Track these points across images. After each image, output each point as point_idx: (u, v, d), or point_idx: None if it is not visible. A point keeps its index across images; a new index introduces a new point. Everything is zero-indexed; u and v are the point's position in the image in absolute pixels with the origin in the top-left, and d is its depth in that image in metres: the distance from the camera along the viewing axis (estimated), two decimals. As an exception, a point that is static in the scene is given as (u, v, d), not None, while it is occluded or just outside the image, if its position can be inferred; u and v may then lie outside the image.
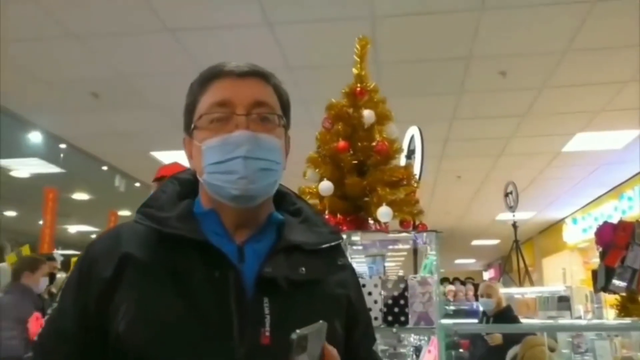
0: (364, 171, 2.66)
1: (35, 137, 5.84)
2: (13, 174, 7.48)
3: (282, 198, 1.04)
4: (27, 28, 3.83)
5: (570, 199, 9.41)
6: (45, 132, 5.78)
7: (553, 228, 11.98)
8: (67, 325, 0.89)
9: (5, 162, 6.93)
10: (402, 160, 3.16)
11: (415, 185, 2.74)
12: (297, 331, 0.72)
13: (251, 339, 0.83)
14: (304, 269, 0.91)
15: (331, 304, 0.94)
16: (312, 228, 1.00)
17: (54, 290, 5.04)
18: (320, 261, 0.95)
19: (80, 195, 9.02)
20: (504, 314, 4.70)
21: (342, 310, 0.96)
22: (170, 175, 1.04)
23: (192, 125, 0.95)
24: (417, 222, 2.64)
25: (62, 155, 6.40)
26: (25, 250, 5.66)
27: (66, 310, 0.90)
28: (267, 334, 0.83)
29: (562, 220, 11.19)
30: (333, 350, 0.80)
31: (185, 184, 1.01)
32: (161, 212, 0.92)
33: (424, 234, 2.50)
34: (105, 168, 7.12)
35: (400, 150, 2.76)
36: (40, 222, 10.77)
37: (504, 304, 4.81)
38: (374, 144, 2.64)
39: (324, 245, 0.97)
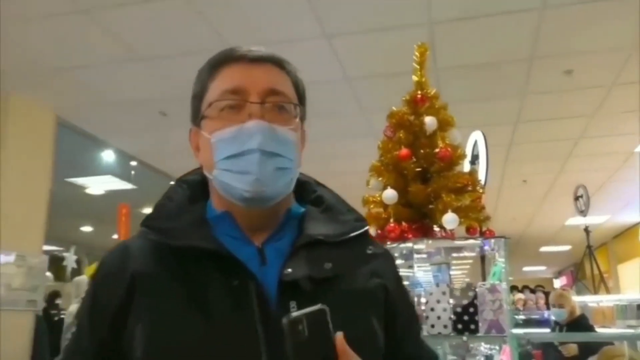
0: (427, 178, 2.65)
1: (107, 156, 6.15)
2: (88, 191, 7.89)
3: (302, 187, 0.94)
4: (97, 53, 4.05)
5: (646, 201, 8.92)
6: (117, 151, 6.08)
7: (628, 232, 11.38)
8: (85, 345, 0.83)
9: (82, 181, 7.32)
10: (466, 166, 3.12)
11: (481, 190, 2.70)
12: (289, 314, 0.67)
13: (278, 348, 0.72)
14: (330, 264, 0.82)
15: (366, 297, 0.84)
16: (336, 217, 0.90)
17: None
18: (348, 252, 0.85)
19: (150, 210, 9.38)
20: (579, 323, 4.51)
21: (378, 302, 0.86)
22: (177, 179, 0.96)
23: (200, 115, 0.87)
24: (483, 229, 2.60)
25: (132, 172, 6.70)
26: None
27: (83, 331, 0.84)
28: None
29: (638, 224, 10.61)
30: (345, 347, 0.68)
31: (195, 187, 0.94)
32: (168, 222, 0.85)
33: (492, 240, 2.45)
34: (172, 183, 7.36)
35: (463, 156, 2.72)
36: (114, 237, 11.31)
37: (577, 313, 4.62)
38: (436, 150, 2.62)
39: (349, 235, 0.87)
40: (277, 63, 0.89)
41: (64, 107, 4.95)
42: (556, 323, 4.77)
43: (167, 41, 3.89)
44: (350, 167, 5.48)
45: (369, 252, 0.90)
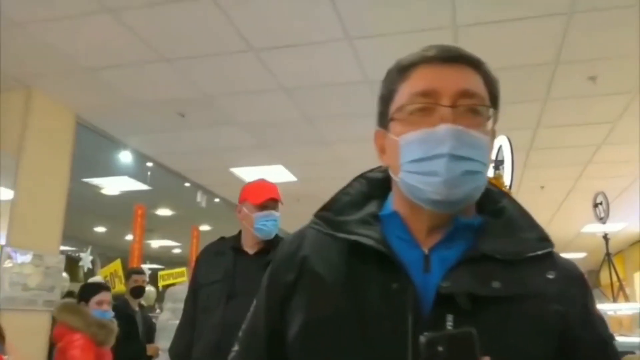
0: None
1: (124, 157, 6.16)
2: (103, 191, 7.92)
3: (484, 196, 0.86)
4: (120, 54, 4.05)
5: (665, 209, 8.80)
6: (134, 151, 6.09)
7: (646, 240, 11.24)
8: (258, 324, 0.89)
9: (97, 181, 7.35)
10: (490, 171, 3.07)
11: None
12: (427, 334, 0.63)
13: None
14: (498, 283, 0.75)
15: (535, 326, 0.76)
16: (516, 233, 0.83)
17: (143, 302, 5.27)
18: (523, 274, 0.78)
19: (164, 211, 9.41)
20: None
21: (551, 333, 0.77)
22: (358, 175, 0.95)
23: (389, 117, 0.85)
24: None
25: (149, 173, 6.71)
26: (117, 265, 5.97)
27: (258, 310, 0.91)
28: None
29: (656, 232, 10.48)
30: None
31: (373, 183, 0.93)
32: (339, 216, 0.86)
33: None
34: (187, 184, 7.39)
35: (491, 160, 2.68)
36: (127, 238, 11.36)
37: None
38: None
39: (527, 255, 0.80)
40: (471, 63, 0.84)
41: (84, 107, 4.97)
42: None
43: (190, 42, 3.88)
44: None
45: (550, 276, 0.80)
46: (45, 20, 3.60)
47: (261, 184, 2.52)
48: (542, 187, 7.55)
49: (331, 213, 0.87)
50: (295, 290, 0.83)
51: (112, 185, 7.62)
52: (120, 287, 5.44)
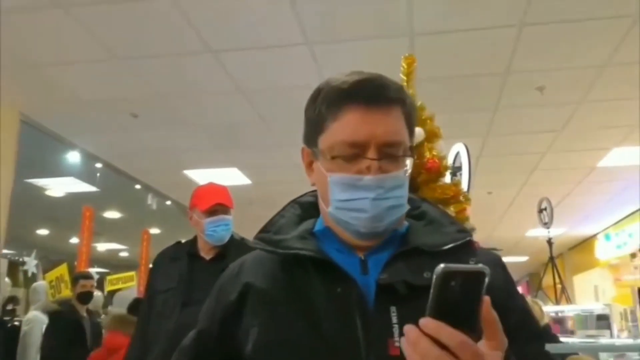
0: (414, 189, 2.65)
1: (72, 157, 5.96)
2: (48, 193, 7.62)
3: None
4: (71, 51, 3.92)
5: (603, 215, 9.26)
6: (82, 152, 5.89)
7: (584, 244, 11.78)
8: (212, 328, 0.96)
9: (42, 182, 7.07)
10: (447, 178, 3.14)
11: (466, 201, 2.72)
12: (443, 265, 0.63)
13: (379, 352, 0.79)
14: (429, 272, 0.79)
15: None
16: (439, 229, 0.95)
17: (91, 308, 5.09)
18: (448, 263, 0.87)
19: (112, 214, 9.15)
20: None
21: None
22: (291, 200, 1.06)
23: (318, 147, 0.93)
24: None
25: (98, 174, 6.51)
26: (63, 269, 5.74)
27: (211, 316, 0.98)
28: (397, 344, 0.78)
29: (594, 237, 10.99)
30: (492, 313, 0.65)
31: (305, 207, 1.03)
32: (278, 235, 0.94)
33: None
34: (138, 187, 7.21)
35: (449, 167, 2.75)
36: (71, 241, 10.96)
37: (542, 322, 4.71)
38: (424, 161, 2.63)
39: (448, 245, 0.90)
40: (396, 101, 0.91)
41: (30, 104, 4.77)
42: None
43: (147, 42, 3.79)
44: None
45: (472, 262, 0.88)
46: (-9, 13, 3.44)
47: (209, 188, 2.48)
48: (490, 193, 7.79)
49: (270, 233, 0.95)
50: (241, 308, 0.90)
51: (57, 187, 7.34)
52: (66, 292, 5.23)
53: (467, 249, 0.92)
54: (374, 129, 0.88)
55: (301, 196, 1.06)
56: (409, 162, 0.92)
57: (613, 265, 10.24)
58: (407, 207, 0.92)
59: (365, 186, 0.87)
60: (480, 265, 0.64)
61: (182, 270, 2.33)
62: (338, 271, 0.86)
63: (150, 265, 2.52)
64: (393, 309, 0.82)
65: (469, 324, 0.63)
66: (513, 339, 0.83)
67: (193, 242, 2.46)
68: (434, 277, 0.63)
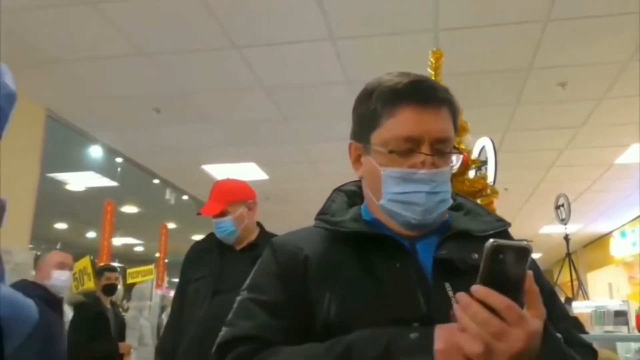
0: (443, 182, 2.68)
1: (93, 152, 6.03)
2: (68, 187, 7.72)
3: None
4: (97, 46, 3.98)
5: (619, 212, 9.21)
6: (104, 147, 5.96)
7: (599, 241, 11.72)
8: (279, 301, 0.96)
9: (63, 176, 7.16)
10: (471, 172, 3.17)
11: (493, 194, 2.75)
12: (493, 240, 0.70)
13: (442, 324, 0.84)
14: (476, 255, 0.88)
15: None
16: (478, 218, 1.04)
17: (115, 300, 5.16)
18: None
19: (129, 209, 9.23)
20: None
21: None
22: (335, 189, 1.13)
23: (370, 142, 0.98)
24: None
25: (118, 169, 6.58)
26: (86, 262, 5.81)
27: (275, 295, 0.97)
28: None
29: (609, 234, 10.94)
30: (534, 286, 0.73)
31: (350, 195, 1.10)
32: (335, 217, 1.02)
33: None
34: (156, 181, 7.28)
35: (478, 161, 2.78)
36: (88, 235, 11.07)
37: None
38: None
39: (491, 232, 0.97)
40: (445, 103, 0.98)
41: (55, 100, 4.84)
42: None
43: (170, 37, 3.84)
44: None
45: None
46: (16, 8, 3.47)
47: (215, 187, 2.50)
48: (506, 189, 7.78)
49: (329, 216, 1.03)
50: (307, 281, 0.94)
51: (77, 181, 7.42)
52: (89, 284, 5.30)
53: (505, 235, 1.00)
54: (428, 125, 0.94)
55: (343, 185, 1.14)
56: (454, 157, 0.99)
57: (627, 262, 10.20)
58: (451, 201, 1.00)
59: (420, 179, 0.94)
60: (524, 242, 0.71)
61: (214, 260, 2.38)
62: (396, 247, 0.94)
63: (184, 257, 2.57)
64: (447, 284, 0.89)
65: (514, 293, 0.70)
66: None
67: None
68: (485, 249, 0.70)
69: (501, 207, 8.38)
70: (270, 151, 6.25)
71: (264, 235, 2.45)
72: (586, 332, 1.14)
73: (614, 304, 6.24)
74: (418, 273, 0.92)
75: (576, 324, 1.07)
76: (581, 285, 6.90)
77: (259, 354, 0.89)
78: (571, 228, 9.46)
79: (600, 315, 6.30)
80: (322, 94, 4.65)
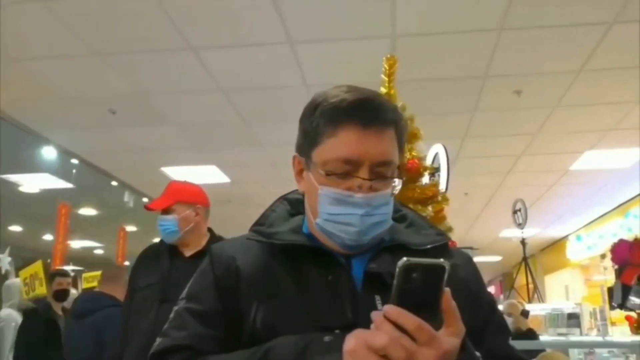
0: (394, 189, 2.69)
1: (47, 153, 5.86)
2: (21, 189, 7.48)
3: None
4: (50, 45, 3.87)
5: (575, 217, 9.46)
6: (59, 148, 5.80)
7: (556, 245, 12.02)
8: (211, 307, 0.96)
9: (15, 178, 6.94)
10: (425, 178, 3.19)
11: (444, 202, 2.78)
12: (406, 259, 0.69)
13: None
14: None
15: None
16: (419, 231, 1.03)
17: (66, 306, 5.02)
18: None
19: (87, 211, 9.02)
20: (524, 336, 4.67)
21: (461, 296, 0.94)
22: (280, 197, 1.12)
23: (311, 159, 0.96)
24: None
25: (74, 170, 6.42)
26: (38, 266, 5.64)
27: (206, 302, 0.97)
28: None
29: (565, 238, 11.22)
30: (452, 304, 0.73)
31: (294, 204, 1.08)
32: (271, 228, 1.01)
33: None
34: (115, 183, 7.13)
35: (429, 168, 2.80)
36: (44, 237, 10.76)
37: (523, 328, 4.76)
38: (404, 161, 2.68)
39: (429, 246, 0.98)
40: (390, 123, 0.95)
41: (6, 100, 4.68)
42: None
43: (126, 38, 3.76)
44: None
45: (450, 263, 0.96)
46: (-32, 5, 3.37)
47: (168, 185, 2.49)
48: (466, 194, 7.90)
49: (264, 226, 1.02)
50: (238, 290, 0.95)
51: (31, 183, 7.20)
52: (41, 289, 5.14)
53: (444, 249, 1.00)
54: (369, 149, 0.92)
55: (289, 193, 1.11)
56: (397, 182, 0.97)
57: (584, 265, 10.48)
58: (390, 223, 0.98)
59: (355, 203, 0.92)
60: (441, 260, 0.71)
61: (163, 267, 2.33)
62: (329, 260, 0.94)
63: (134, 263, 2.50)
64: (377, 297, 0.89)
65: (430, 312, 0.71)
66: (483, 329, 0.99)
67: None
68: (397, 268, 0.69)
69: (461, 212, 8.61)
70: (230, 154, 6.19)
71: (214, 242, 2.41)
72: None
73: (568, 307, 6.40)
74: (349, 285, 0.92)
75: (533, 337, 1.09)
76: (537, 289, 7.05)
77: None
78: (528, 232, 9.70)
79: (554, 318, 6.46)
80: (281, 97, 4.63)
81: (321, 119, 0.94)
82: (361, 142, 0.92)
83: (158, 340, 0.96)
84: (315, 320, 0.88)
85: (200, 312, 0.95)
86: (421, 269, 0.69)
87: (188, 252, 2.38)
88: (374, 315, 0.73)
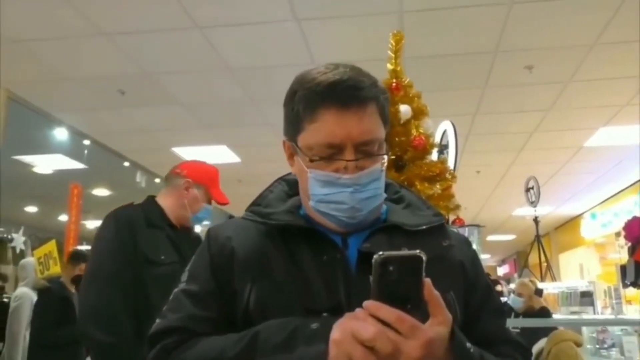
0: (400, 166, 2.67)
1: (60, 134, 5.89)
2: (35, 170, 7.56)
3: (385, 188, 1.05)
4: (57, 27, 3.86)
5: (589, 194, 9.35)
6: (70, 129, 5.83)
7: (570, 223, 11.92)
8: (208, 289, 0.97)
9: (29, 159, 7.01)
10: (434, 155, 3.16)
11: (451, 179, 2.75)
12: (381, 253, 0.70)
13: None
14: (406, 249, 0.86)
15: (444, 276, 0.90)
16: (415, 212, 1.03)
17: (80, 284, 5.08)
18: (423, 241, 0.92)
19: (101, 191, 9.10)
20: (536, 315, 4.66)
21: (457, 278, 0.97)
22: (278, 178, 1.12)
23: (297, 143, 0.96)
24: (453, 217, 2.66)
25: (85, 151, 6.46)
26: (52, 246, 5.72)
27: (203, 281, 0.98)
28: None
29: (580, 216, 11.12)
30: (434, 292, 0.74)
31: (291, 184, 1.09)
32: (267, 209, 1.01)
33: (466, 229, 2.51)
34: (127, 164, 7.17)
35: (436, 145, 2.76)
36: (59, 218, 10.88)
37: (536, 306, 4.74)
38: (411, 138, 2.65)
39: (424, 226, 0.98)
40: (370, 99, 0.93)
41: (16, 81, 4.70)
42: (512, 310, 4.92)
43: (133, 17, 3.75)
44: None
45: (445, 244, 1.00)
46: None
47: (196, 164, 2.39)
48: (478, 172, 7.84)
49: (261, 207, 1.02)
50: (233, 271, 0.95)
51: (45, 164, 7.27)
52: (55, 268, 5.22)
53: (441, 230, 1.01)
54: (350, 130, 0.91)
55: (287, 174, 1.11)
56: (384, 156, 0.97)
57: (599, 243, 10.39)
58: (384, 197, 0.99)
59: (342, 183, 0.92)
60: (417, 251, 0.71)
61: (176, 242, 2.09)
62: (324, 240, 0.94)
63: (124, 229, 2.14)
64: (371, 278, 0.85)
65: (412, 303, 0.71)
66: (479, 312, 1.00)
67: (157, 208, 2.19)
68: (373, 263, 0.70)
69: (474, 190, 8.56)
70: (240, 133, 6.18)
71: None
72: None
73: (581, 285, 6.36)
74: (343, 266, 0.92)
75: (546, 315, 1.09)
76: (549, 267, 7.01)
77: (182, 345, 0.91)
78: (542, 210, 9.62)
79: (567, 296, 6.43)
80: (288, 75, 4.55)
81: (300, 104, 0.94)
82: (341, 124, 0.91)
83: (157, 321, 0.98)
84: (308, 301, 0.89)
85: (196, 293, 0.96)
86: (397, 261, 0.70)
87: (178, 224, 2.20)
88: (358, 311, 0.74)
